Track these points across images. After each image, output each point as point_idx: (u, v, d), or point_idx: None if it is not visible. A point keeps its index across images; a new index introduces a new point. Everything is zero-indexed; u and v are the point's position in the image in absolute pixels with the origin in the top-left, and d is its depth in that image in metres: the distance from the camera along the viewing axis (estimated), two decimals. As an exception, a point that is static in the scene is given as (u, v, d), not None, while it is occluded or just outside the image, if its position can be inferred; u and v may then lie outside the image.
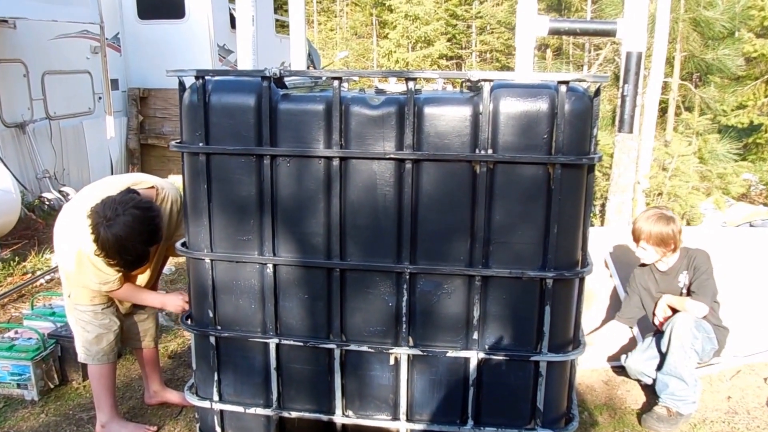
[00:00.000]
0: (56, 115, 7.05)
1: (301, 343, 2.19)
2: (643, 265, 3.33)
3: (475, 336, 2.10)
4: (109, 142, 7.72)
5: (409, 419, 2.21)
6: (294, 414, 2.25)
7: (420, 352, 2.13)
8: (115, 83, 8.04)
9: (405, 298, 2.10)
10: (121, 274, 2.61)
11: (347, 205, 2.08)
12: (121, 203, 2.40)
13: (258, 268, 2.17)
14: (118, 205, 2.38)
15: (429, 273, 2.08)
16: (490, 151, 1.99)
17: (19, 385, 3.16)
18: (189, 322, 2.31)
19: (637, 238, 3.19)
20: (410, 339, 2.14)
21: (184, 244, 2.27)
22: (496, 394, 2.17)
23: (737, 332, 3.64)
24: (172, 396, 3.08)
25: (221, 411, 2.32)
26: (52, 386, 3.22)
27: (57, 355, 3.27)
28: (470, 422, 2.17)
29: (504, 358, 2.11)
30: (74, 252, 2.60)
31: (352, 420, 2.23)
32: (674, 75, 6.84)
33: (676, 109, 7.04)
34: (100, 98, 7.67)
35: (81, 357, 2.80)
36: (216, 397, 2.31)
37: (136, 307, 2.92)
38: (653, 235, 3.12)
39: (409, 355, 2.14)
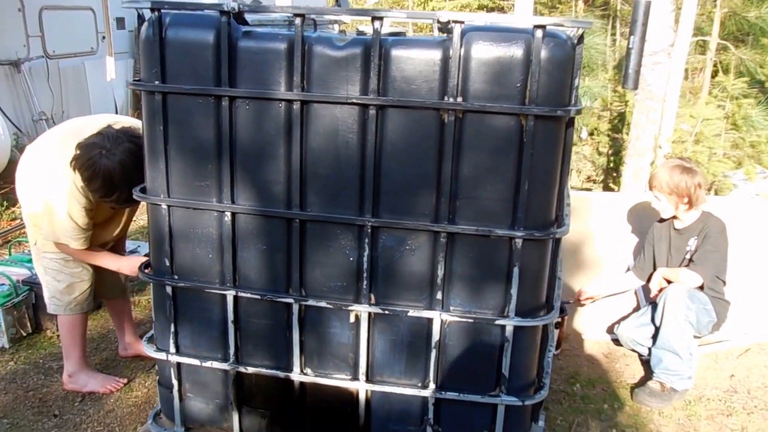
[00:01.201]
0: (55, 54, 7.08)
1: (258, 297, 2.21)
2: (662, 220, 3.30)
3: (439, 296, 2.09)
4: (114, 85, 7.73)
5: (369, 380, 2.23)
6: (251, 369, 2.29)
7: (381, 311, 2.14)
8: (121, 22, 8.03)
9: (366, 253, 2.09)
10: (90, 232, 2.66)
11: (308, 152, 2.07)
12: (122, 133, 2.45)
13: (216, 215, 2.18)
14: (120, 134, 2.44)
15: (392, 227, 2.07)
16: (459, 99, 1.95)
17: (-12, 331, 3.27)
18: (147, 270, 2.35)
19: (651, 185, 3.16)
20: (372, 296, 2.15)
21: (143, 190, 2.29)
22: (460, 357, 2.18)
23: (756, 310, 3.59)
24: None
25: (178, 364, 2.37)
26: (24, 334, 3.33)
27: (31, 303, 3.37)
28: (432, 386, 2.19)
29: (468, 320, 2.11)
30: (43, 200, 2.64)
31: (310, 378, 2.26)
32: (713, 34, 6.59)
33: (713, 71, 6.81)
34: (104, 38, 7.67)
35: (50, 308, 2.86)
36: (173, 349, 2.35)
37: (107, 257, 2.96)
38: (666, 182, 3.09)
39: (369, 313, 2.15)
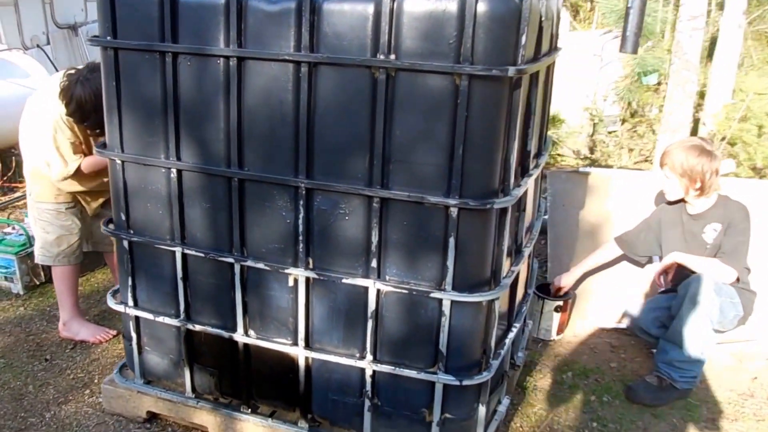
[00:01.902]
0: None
1: (202, 255, 2.23)
2: (671, 203, 3.05)
3: (374, 264, 2.03)
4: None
5: (308, 346, 2.21)
6: (198, 327, 2.33)
7: (316, 276, 2.10)
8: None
9: (302, 216, 2.06)
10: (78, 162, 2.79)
11: (245, 110, 2.05)
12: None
13: (164, 172, 2.22)
14: (95, 66, 2.55)
15: (325, 190, 2.03)
16: (392, 57, 1.85)
17: (6, 278, 3.52)
18: (109, 225, 2.42)
19: (662, 162, 2.92)
20: (310, 261, 2.12)
21: (104, 145, 2.35)
22: (397, 330, 2.11)
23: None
24: None
25: (136, 317, 2.45)
26: (37, 283, 3.55)
27: (45, 254, 3.57)
28: (369, 357, 2.13)
29: (404, 291, 2.03)
30: (38, 135, 2.79)
31: (252, 340, 2.26)
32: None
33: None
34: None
35: (38, 258, 3.03)
36: (131, 303, 2.43)
37: (104, 209, 3.09)
38: (679, 162, 2.84)
39: (307, 278, 2.12)
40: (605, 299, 3.50)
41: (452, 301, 2.00)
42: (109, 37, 2.15)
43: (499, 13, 1.78)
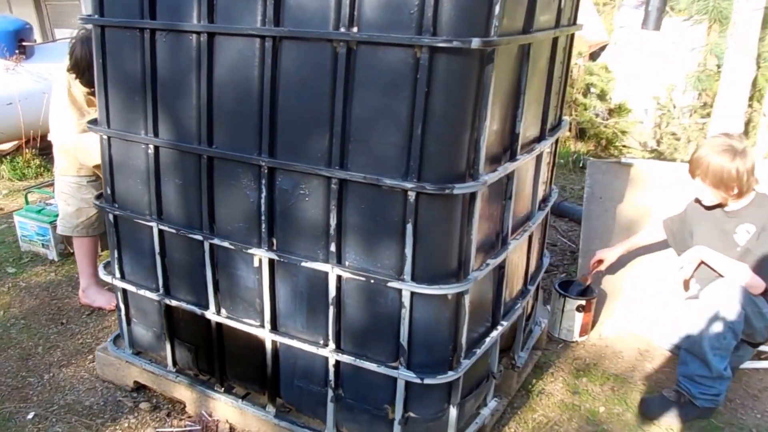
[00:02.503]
0: None
1: (174, 231, 2.23)
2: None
3: (333, 248, 1.95)
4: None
5: (274, 329, 2.16)
6: (174, 303, 2.34)
7: (276, 257, 2.05)
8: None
9: (264, 195, 2.01)
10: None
11: (215, 87, 2.01)
12: None
13: (143, 148, 2.23)
14: None
15: (286, 169, 1.96)
16: (354, 30, 1.75)
17: (43, 245, 3.72)
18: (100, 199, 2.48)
19: (692, 171, 2.63)
20: (273, 242, 2.06)
21: (95, 121, 2.40)
22: (359, 319, 2.02)
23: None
24: None
25: (123, 289, 2.49)
26: (71, 251, 3.72)
27: (80, 224, 3.75)
28: (331, 345, 2.06)
29: (362, 278, 1.93)
30: (57, 98, 2.94)
31: (223, 320, 2.25)
32: None
33: None
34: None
35: (59, 229, 3.18)
36: (118, 275, 2.48)
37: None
38: (710, 172, 2.55)
39: (270, 260, 2.07)
40: (639, 298, 3.24)
41: (412, 293, 1.88)
42: (96, 15, 2.17)
43: (465, -19, 1.64)
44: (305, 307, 2.09)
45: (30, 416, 2.45)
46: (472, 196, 1.86)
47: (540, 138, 2.34)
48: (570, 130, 6.08)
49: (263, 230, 2.05)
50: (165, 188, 2.23)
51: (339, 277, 1.98)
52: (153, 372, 2.50)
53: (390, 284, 1.89)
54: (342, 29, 1.76)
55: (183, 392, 2.46)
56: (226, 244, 2.12)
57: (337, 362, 2.08)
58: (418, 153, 1.76)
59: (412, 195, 1.79)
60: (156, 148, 2.19)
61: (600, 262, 3.12)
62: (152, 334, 2.50)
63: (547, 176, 2.59)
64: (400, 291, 1.90)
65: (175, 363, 2.47)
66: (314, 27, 1.81)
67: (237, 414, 2.35)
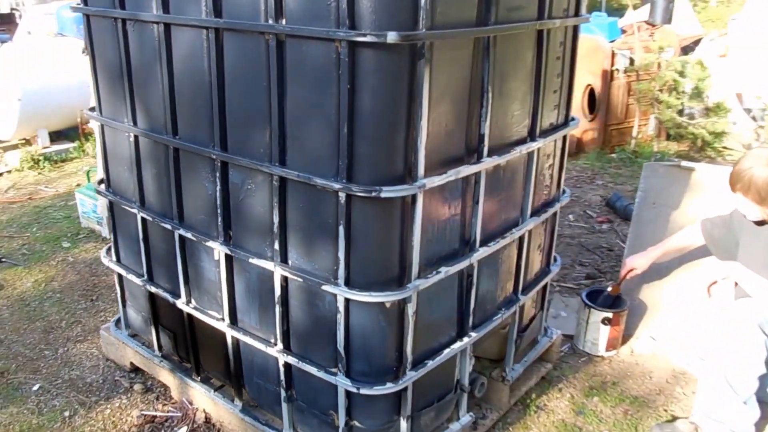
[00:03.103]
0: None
1: (150, 219, 2.29)
2: None
3: (276, 246, 1.91)
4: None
5: (233, 323, 2.17)
6: (153, 289, 2.41)
7: (229, 252, 2.04)
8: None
9: (218, 188, 2.01)
10: None
11: (174, 77, 2.04)
12: None
13: (126, 136, 2.30)
14: None
15: (235, 164, 1.94)
16: (283, 21, 1.69)
17: (98, 222, 3.99)
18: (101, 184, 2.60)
19: (732, 185, 2.33)
20: (229, 235, 2.06)
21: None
22: (302, 320, 1.98)
23: None
24: None
25: (118, 273, 2.61)
26: (119, 230, 3.96)
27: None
28: (279, 345, 2.03)
29: (300, 278, 1.88)
30: None
31: (191, 310, 2.28)
32: None
33: None
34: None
35: None
36: (114, 258, 2.60)
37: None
38: (753, 184, 2.25)
39: (225, 253, 2.07)
40: (683, 312, 2.91)
41: (347, 298, 1.80)
42: (82, 5, 2.27)
43: (386, -33, 1.52)
44: (257, 305, 2.08)
45: (35, 388, 2.64)
46: (413, 199, 1.74)
47: (530, 138, 2.14)
48: (658, 131, 5.60)
49: (219, 224, 2.05)
50: (145, 176, 2.30)
51: (284, 277, 1.94)
52: (143, 355, 2.61)
53: (324, 287, 1.83)
54: (270, 21, 1.70)
55: (167, 377, 2.54)
56: (189, 235, 2.16)
57: (287, 363, 2.04)
58: (346, 153, 1.67)
59: (342, 196, 1.71)
60: (136, 136, 2.26)
61: (630, 271, 2.84)
62: (141, 318, 2.61)
63: (549, 179, 2.38)
64: (335, 295, 1.83)
65: (160, 348, 2.55)
66: (247, 18, 1.77)
67: (211, 404, 2.40)
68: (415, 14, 1.57)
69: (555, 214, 2.51)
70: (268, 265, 1.94)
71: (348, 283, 1.79)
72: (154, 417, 2.46)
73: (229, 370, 2.27)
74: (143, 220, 2.36)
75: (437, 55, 1.67)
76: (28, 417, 2.47)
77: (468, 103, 1.85)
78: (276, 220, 1.88)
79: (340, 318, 1.84)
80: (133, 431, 2.41)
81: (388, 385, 1.89)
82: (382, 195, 1.67)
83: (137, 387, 2.64)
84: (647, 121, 5.59)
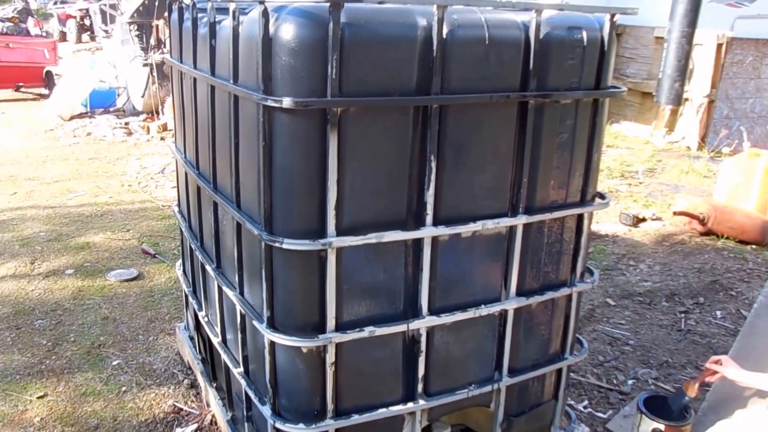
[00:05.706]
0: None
1: (188, 237, 2.74)
2: None
3: (236, 278, 2.20)
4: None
5: (223, 341, 2.49)
6: (191, 299, 2.85)
7: (216, 276, 2.37)
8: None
9: (212, 219, 2.38)
10: None
11: (198, 119, 2.46)
12: None
13: (179, 165, 2.80)
14: None
15: (217, 200, 2.28)
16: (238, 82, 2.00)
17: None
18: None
19: None
20: (219, 261, 2.40)
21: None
22: (251, 349, 2.24)
23: None
24: None
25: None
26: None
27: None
28: (240, 368, 2.30)
29: (247, 312, 2.13)
30: None
31: (202, 320, 2.66)
32: None
33: None
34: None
35: None
36: (182, 269, 3.12)
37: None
38: None
39: (216, 278, 2.41)
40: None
41: (269, 338, 2.00)
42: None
43: (295, 40, 1.75)
44: (233, 327, 2.37)
45: (115, 363, 3.28)
46: (326, 254, 1.88)
47: (511, 213, 2.10)
48: None
49: (214, 251, 2.40)
50: (190, 201, 2.76)
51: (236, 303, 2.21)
52: (192, 355, 3.07)
53: (254, 322, 2.05)
54: (231, 81, 2.01)
55: (200, 378, 2.96)
56: (200, 256, 2.54)
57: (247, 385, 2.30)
58: (263, 203, 1.89)
59: (263, 243, 1.92)
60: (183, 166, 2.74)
61: (715, 373, 2.42)
62: (193, 323, 3.07)
63: (555, 259, 2.26)
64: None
65: (200, 352, 2.98)
66: (224, 78, 2.09)
67: (218, 410, 2.75)
68: (324, 82, 1.74)
69: (569, 297, 2.36)
70: (231, 293, 2.23)
71: (271, 324, 1.99)
72: (181, 410, 2.90)
73: (225, 382, 2.59)
74: (184, 238, 2.82)
75: (358, 120, 1.80)
76: (96, 384, 3.09)
77: (408, 170, 1.93)
78: (236, 254, 2.16)
79: (267, 353, 2.04)
80: (160, 416, 2.87)
81: (300, 425, 2.03)
82: (284, 246, 1.85)
83: (186, 382, 3.11)
84: None
